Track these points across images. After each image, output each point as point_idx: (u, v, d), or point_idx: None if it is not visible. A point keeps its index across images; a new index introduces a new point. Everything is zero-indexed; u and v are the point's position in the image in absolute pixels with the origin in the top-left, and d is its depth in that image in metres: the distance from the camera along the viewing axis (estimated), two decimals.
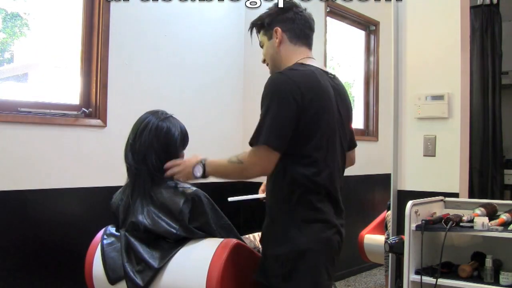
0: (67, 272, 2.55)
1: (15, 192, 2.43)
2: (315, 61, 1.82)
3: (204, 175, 1.81)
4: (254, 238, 2.34)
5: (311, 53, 1.86)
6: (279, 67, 1.79)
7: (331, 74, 1.85)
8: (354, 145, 2.00)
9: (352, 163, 2.01)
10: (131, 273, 1.89)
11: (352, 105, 1.96)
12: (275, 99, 1.63)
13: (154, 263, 1.87)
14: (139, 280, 1.87)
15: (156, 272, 1.87)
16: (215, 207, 1.97)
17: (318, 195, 1.69)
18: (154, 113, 2.05)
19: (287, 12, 1.81)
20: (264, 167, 1.68)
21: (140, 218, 1.93)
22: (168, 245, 1.91)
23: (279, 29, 1.79)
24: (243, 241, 2.05)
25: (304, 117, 1.63)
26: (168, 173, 1.91)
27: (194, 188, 1.95)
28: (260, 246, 2.30)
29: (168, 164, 1.93)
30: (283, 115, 1.62)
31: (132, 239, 1.95)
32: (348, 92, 1.96)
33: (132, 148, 2.00)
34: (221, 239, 1.87)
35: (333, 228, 1.73)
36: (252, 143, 1.66)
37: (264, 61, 1.90)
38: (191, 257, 1.86)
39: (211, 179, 1.87)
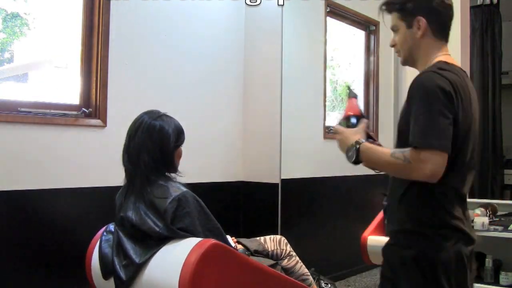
0: (67, 272, 2.55)
1: (15, 192, 2.43)
2: (453, 59, 1.60)
3: (356, 162, 1.60)
4: (264, 241, 2.34)
5: (447, 48, 1.61)
6: (415, 61, 1.62)
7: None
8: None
9: None
10: (118, 267, 1.91)
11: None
12: (436, 98, 1.42)
13: (136, 259, 1.89)
14: (123, 275, 1.89)
15: (138, 267, 1.88)
16: (204, 209, 1.97)
17: None
18: (148, 112, 2.06)
19: (433, 0, 1.56)
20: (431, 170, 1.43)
21: (129, 214, 1.95)
22: (153, 242, 1.92)
23: (423, 20, 1.56)
24: (229, 244, 2.05)
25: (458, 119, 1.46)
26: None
27: (185, 189, 1.96)
28: (270, 250, 2.30)
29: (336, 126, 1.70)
30: (446, 115, 1.42)
31: (121, 234, 1.97)
32: None
33: (127, 149, 2.01)
34: (199, 239, 1.86)
35: None
36: (418, 144, 1.41)
37: (393, 45, 1.66)
38: (169, 255, 1.87)
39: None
